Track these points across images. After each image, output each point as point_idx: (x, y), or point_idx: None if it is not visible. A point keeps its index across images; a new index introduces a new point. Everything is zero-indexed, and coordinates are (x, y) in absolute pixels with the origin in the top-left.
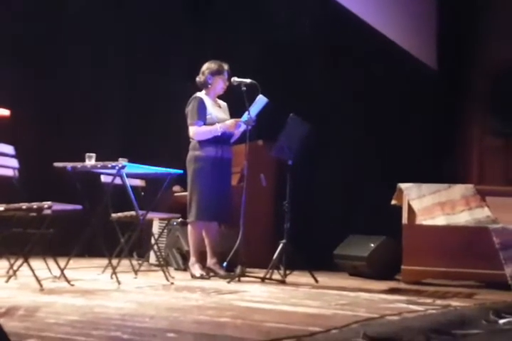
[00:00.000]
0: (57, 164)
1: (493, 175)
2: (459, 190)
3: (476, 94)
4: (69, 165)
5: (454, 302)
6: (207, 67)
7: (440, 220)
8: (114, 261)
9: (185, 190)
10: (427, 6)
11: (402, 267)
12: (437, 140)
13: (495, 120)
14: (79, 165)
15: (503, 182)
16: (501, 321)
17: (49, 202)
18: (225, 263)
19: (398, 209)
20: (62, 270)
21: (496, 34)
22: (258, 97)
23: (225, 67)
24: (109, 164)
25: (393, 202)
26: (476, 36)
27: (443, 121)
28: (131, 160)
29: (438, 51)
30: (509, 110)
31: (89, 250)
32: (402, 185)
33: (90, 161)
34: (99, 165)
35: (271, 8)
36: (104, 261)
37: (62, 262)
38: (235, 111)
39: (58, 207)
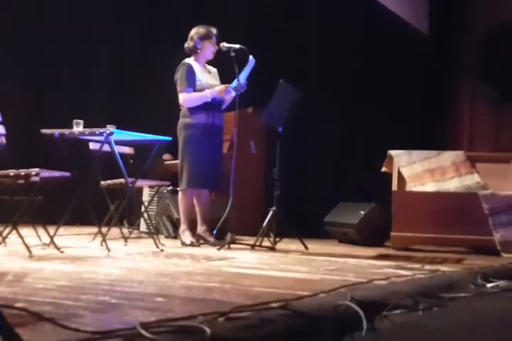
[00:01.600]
0: (44, 131)
1: (484, 141)
2: (449, 157)
3: (467, 61)
4: (56, 131)
5: (443, 267)
6: (195, 32)
7: (430, 187)
8: (104, 229)
9: (175, 158)
10: None
11: (392, 233)
12: (427, 107)
13: (485, 86)
14: (66, 131)
15: (493, 148)
16: (489, 285)
17: (37, 169)
18: (215, 231)
19: (388, 176)
20: (51, 237)
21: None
22: (250, 59)
23: (214, 31)
24: (97, 131)
25: (383, 169)
26: (467, 1)
27: (433, 88)
28: (121, 128)
29: (430, 16)
30: (499, 76)
31: (79, 218)
32: (393, 152)
33: (78, 128)
34: (86, 132)
35: None
36: (95, 229)
37: (52, 230)
38: (225, 77)
39: (46, 173)
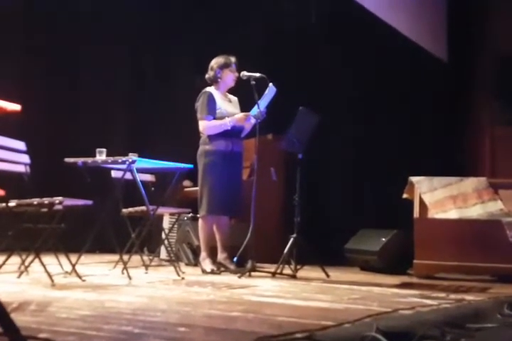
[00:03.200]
0: (68, 159)
1: (506, 165)
2: (471, 183)
3: (486, 84)
4: (80, 160)
5: (468, 297)
6: (215, 62)
7: (452, 214)
8: (125, 257)
9: (195, 184)
10: None
11: (414, 261)
12: (448, 131)
13: (504, 109)
14: (89, 160)
15: None
16: None
17: (60, 198)
18: (235, 258)
19: (410, 202)
20: (73, 265)
21: (503, 23)
22: (269, 87)
23: (233, 59)
24: (120, 159)
25: (405, 195)
26: (485, 25)
27: (454, 112)
28: (142, 156)
29: (448, 42)
30: None
31: (100, 246)
32: (414, 179)
33: (101, 156)
34: (109, 161)
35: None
36: (116, 257)
37: (73, 258)
38: (245, 106)
39: (69, 202)
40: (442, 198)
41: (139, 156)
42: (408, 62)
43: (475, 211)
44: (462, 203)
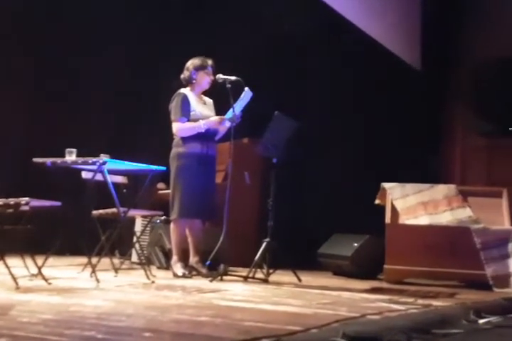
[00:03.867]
0: (36, 159)
1: (476, 174)
2: (441, 190)
3: (459, 94)
4: (48, 160)
5: (435, 302)
6: (191, 62)
7: (423, 220)
8: (95, 259)
9: (169, 187)
10: (411, 7)
11: (385, 266)
12: (421, 140)
13: (477, 119)
14: (59, 160)
15: (486, 181)
16: (481, 321)
17: (26, 198)
18: (208, 262)
19: (382, 208)
20: (39, 268)
21: (478, 34)
22: (245, 90)
23: (209, 62)
24: (90, 160)
25: (377, 201)
26: (459, 36)
27: (427, 121)
28: (115, 157)
29: (422, 52)
30: (490, 109)
31: (70, 248)
32: (386, 185)
33: (71, 157)
34: (79, 161)
35: (259, 6)
36: (86, 260)
37: (41, 260)
38: (221, 109)
39: (36, 203)
40: (413, 204)
41: (112, 157)
42: (384, 70)
43: (445, 217)
44: (433, 209)
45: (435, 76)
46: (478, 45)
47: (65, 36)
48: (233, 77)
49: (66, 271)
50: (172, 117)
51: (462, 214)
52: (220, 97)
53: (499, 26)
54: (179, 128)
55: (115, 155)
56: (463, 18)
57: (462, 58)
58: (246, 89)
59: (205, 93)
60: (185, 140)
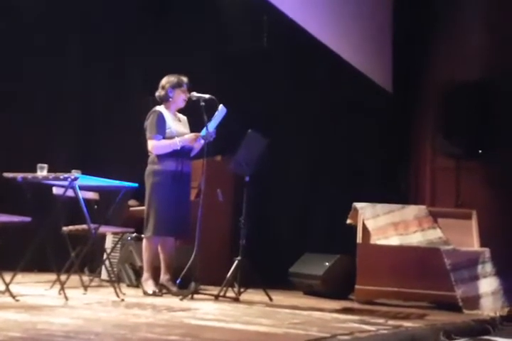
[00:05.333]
0: (6, 174)
1: (445, 196)
2: (412, 211)
3: (428, 116)
4: (19, 175)
5: (406, 323)
6: (166, 80)
7: (394, 240)
8: (64, 276)
9: (141, 204)
10: (382, 29)
11: (356, 286)
12: (391, 160)
13: (444, 141)
14: (29, 175)
15: (455, 203)
16: None
17: None
18: (178, 280)
19: (354, 228)
20: (7, 284)
21: (447, 56)
22: (220, 108)
23: (184, 79)
24: (61, 175)
25: (348, 221)
26: (429, 58)
27: (397, 142)
28: (87, 173)
29: (393, 73)
30: (457, 131)
31: (38, 264)
32: (357, 205)
33: (42, 172)
34: (50, 177)
35: (227, 21)
36: (54, 276)
37: (8, 276)
38: (195, 126)
39: (4, 218)
40: (384, 224)
41: (85, 174)
42: (354, 91)
43: (415, 238)
44: (403, 230)
45: (405, 97)
46: (447, 68)
47: (30, 49)
48: (207, 96)
49: (34, 288)
50: (147, 135)
51: (432, 235)
52: (194, 115)
53: (467, 50)
54: (154, 145)
55: (87, 171)
56: (433, 40)
57: (431, 80)
58: (220, 106)
59: (180, 110)
60: (160, 157)
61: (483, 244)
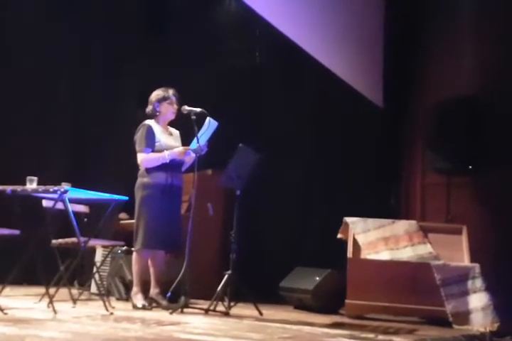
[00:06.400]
0: None
1: (435, 211)
2: (402, 226)
3: (418, 132)
4: (9, 188)
5: (396, 338)
6: (153, 95)
7: (384, 255)
8: (53, 290)
9: (131, 217)
10: (374, 44)
11: (346, 301)
12: (383, 177)
13: (434, 156)
14: (19, 188)
15: (445, 218)
16: None
17: None
18: (169, 293)
19: (344, 242)
20: None
21: (439, 72)
22: (207, 121)
23: (171, 92)
24: (51, 188)
25: (339, 235)
26: (420, 74)
27: (388, 158)
28: (77, 186)
29: (384, 89)
30: (448, 146)
31: (27, 277)
32: (348, 219)
33: (31, 185)
34: (40, 189)
35: (222, 38)
36: (43, 290)
37: None
38: (189, 139)
39: None
40: (375, 239)
41: (74, 186)
42: (345, 106)
43: (406, 253)
44: (394, 245)
45: (395, 113)
46: (438, 84)
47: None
48: (198, 109)
49: (23, 301)
50: (137, 148)
51: (423, 250)
52: (187, 128)
53: (458, 66)
54: (144, 158)
55: (77, 184)
56: (423, 57)
57: (422, 96)
58: (208, 118)
59: (171, 124)
60: (150, 170)
61: (473, 260)
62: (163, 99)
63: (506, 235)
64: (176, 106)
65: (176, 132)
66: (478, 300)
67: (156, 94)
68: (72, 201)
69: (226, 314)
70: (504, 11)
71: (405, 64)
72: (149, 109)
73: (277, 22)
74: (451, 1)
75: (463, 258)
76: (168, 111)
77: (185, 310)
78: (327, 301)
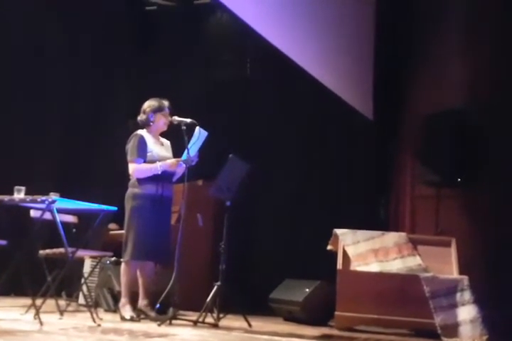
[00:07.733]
0: None
1: (424, 223)
2: (392, 238)
3: (408, 145)
4: None
5: None
6: (148, 105)
7: (374, 267)
8: (40, 301)
9: (121, 227)
10: (364, 56)
11: (336, 313)
12: (373, 188)
13: (424, 169)
14: (6, 198)
15: (434, 230)
16: None
17: None
18: (157, 305)
19: (334, 254)
20: None
21: (428, 85)
22: (197, 130)
23: (166, 103)
24: (39, 198)
25: (329, 247)
26: (410, 86)
27: (377, 169)
28: (66, 196)
29: (374, 102)
30: (437, 159)
31: (14, 288)
32: (338, 231)
33: (19, 195)
34: (28, 199)
35: (213, 49)
36: (30, 301)
37: None
38: (179, 150)
39: None
40: (365, 251)
41: (63, 196)
42: (334, 117)
43: (395, 265)
44: (383, 257)
45: (387, 126)
46: (427, 96)
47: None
48: (188, 120)
49: (9, 313)
50: (128, 158)
51: (412, 262)
52: (177, 139)
53: (448, 78)
54: (135, 169)
55: (65, 194)
56: (414, 70)
57: (412, 108)
58: (197, 128)
59: (162, 134)
60: (140, 181)
61: (462, 272)
62: (158, 110)
63: (495, 247)
64: (169, 118)
65: (167, 142)
66: (466, 313)
67: (151, 104)
68: (61, 211)
69: (215, 326)
70: (493, 23)
71: (396, 77)
72: (142, 118)
73: (267, 33)
74: (442, 13)
75: (452, 271)
76: (162, 122)
77: (173, 321)
78: (317, 313)
